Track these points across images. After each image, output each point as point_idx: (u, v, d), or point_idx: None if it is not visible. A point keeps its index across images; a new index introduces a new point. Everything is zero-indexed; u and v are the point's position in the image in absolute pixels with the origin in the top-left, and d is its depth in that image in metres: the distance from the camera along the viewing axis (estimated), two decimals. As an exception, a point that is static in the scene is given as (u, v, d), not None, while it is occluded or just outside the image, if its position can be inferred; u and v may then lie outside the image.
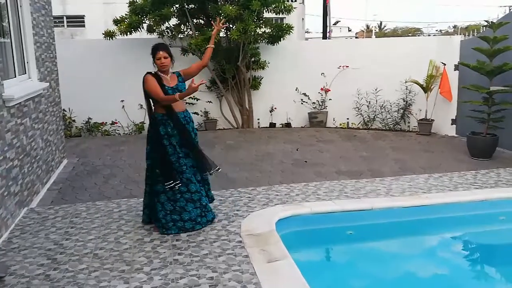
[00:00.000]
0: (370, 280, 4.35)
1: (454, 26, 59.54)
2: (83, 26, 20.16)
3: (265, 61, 10.91)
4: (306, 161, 6.67)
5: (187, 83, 4.70)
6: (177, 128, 4.73)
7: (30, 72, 6.22)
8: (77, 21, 20.80)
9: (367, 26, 71.02)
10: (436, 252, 5.02)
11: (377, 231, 5.28)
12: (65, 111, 10.18)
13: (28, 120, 5.71)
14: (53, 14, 7.70)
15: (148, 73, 4.72)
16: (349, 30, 70.96)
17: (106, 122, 10.62)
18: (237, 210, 5.30)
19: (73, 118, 10.46)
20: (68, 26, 20.21)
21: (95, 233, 4.74)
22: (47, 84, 6.62)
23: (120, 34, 10.03)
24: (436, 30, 65.64)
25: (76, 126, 10.53)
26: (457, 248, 5.26)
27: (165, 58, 4.67)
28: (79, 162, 7.93)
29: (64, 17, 20.76)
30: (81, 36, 19.33)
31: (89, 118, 10.49)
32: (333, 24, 57.93)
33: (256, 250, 4.23)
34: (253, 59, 10.77)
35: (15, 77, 5.69)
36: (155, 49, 4.70)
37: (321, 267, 4.69)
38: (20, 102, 5.38)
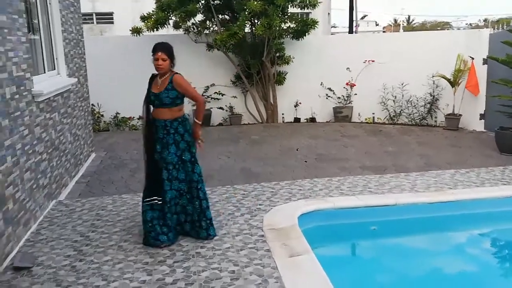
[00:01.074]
0: (392, 276, 4.32)
1: (485, 20, 58.04)
2: (112, 23, 20.49)
3: (289, 56, 10.88)
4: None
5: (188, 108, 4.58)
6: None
7: (59, 68, 6.37)
8: (106, 18, 21.14)
9: (395, 20, 69.96)
10: (460, 249, 4.95)
11: (401, 227, 5.24)
12: (94, 106, 10.38)
13: (57, 114, 5.86)
14: (82, 11, 7.87)
15: (152, 74, 4.46)
16: (377, 25, 70.00)
17: (133, 117, 10.77)
18: (260, 205, 5.32)
19: (101, 113, 10.65)
20: (97, 23, 20.58)
21: (120, 226, 4.84)
22: (76, 79, 6.78)
23: (147, 30, 10.16)
24: (466, 24, 64.21)
25: (104, 121, 10.73)
26: (483, 245, 5.17)
27: (163, 60, 4.26)
28: (107, 156, 8.08)
29: (94, 14, 21.13)
30: (110, 33, 19.65)
31: (117, 113, 10.67)
32: (360, 19, 57.29)
33: (278, 244, 4.25)
34: (277, 54, 10.76)
35: (45, 73, 5.83)
36: (154, 49, 4.30)
37: (343, 262, 4.68)
38: (49, 97, 5.52)
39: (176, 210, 4.45)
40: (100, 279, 3.75)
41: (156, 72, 4.38)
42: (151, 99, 4.36)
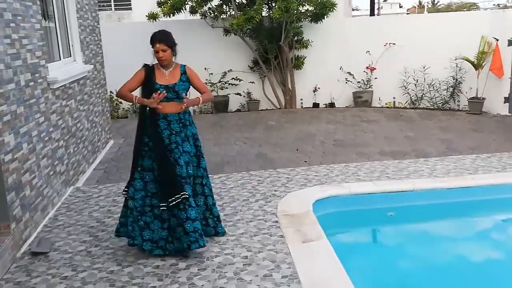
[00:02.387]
0: (408, 263, 4.26)
1: (513, 0, 56.35)
2: (130, 9, 20.48)
3: (308, 40, 10.73)
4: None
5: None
6: (152, 139, 3.96)
7: (75, 55, 6.40)
8: (124, 4, 21.17)
9: (420, 2, 68.49)
10: (479, 235, 4.85)
11: (418, 213, 5.14)
12: (112, 93, 10.43)
13: (73, 102, 5.90)
14: (99, -2, 7.88)
15: (144, 65, 4.09)
16: (400, 7, 68.62)
17: (151, 104, 10.80)
18: (275, 191, 5.29)
19: (120, 100, 10.71)
20: (115, 9, 20.60)
21: (135, 212, 4.86)
22: (92, 66, 6.81)
23: (163, 16, 10.12)
24: (494, 5, 62.40)
25: (123, 108, 10.79)
26: (502, 232, 5.04)
27: (163, 51, 3.93)
28: (125, 142, 8.13)
29: (112, 1, 21.18)
30: (128, 19, 19.69)
31: (135, 100, 10.71)
32: (383, 1, 56.26)
33: (292, 230, 4.22)
34: (296, 38, 10.63)
35: (60, 60, 5.87)
36: (152, 40, 3.96)
37: (357, 248, 4.63)
38: (65, 84, 5.56)
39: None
40: (114, 264, 3.79)
41: (152, 63, 4.07)
42: (159, 91, 3.91)
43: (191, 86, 4.14)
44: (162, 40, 3.94)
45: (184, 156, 4.00)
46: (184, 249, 3.83)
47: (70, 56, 6.31)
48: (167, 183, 3.88)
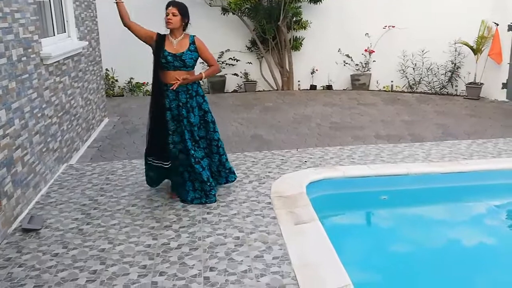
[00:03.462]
0: (399, 246, 4.27)
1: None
2: (128, -15, 20.29)
3: (307, 21, 10.60)
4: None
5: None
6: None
7: (70, 30, 6.31)
8: (122, -19, 20.93)
9: (421, -15, 67.66)
10: (472, 220, 4.86)
11: (412, 197, 5.15)
12: (108, 70, 10.35)
13: (67, 78, 5.83)
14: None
15: (157, 33, 4.37)
16: (401, -11, 67.82)
17: (147, 82, 10.70)
18: (269, 172, 5.27)
19: (115, 78, 10.62)
20: (113, -14, 20.40)
21: (129, 190, 4.86)
22: (87, 43, 6.71)
23: (160, -7, 9.97)
24: (495, -11, 61.70)
25: (118, 86, 10.70)
26: (494, 217, 5.04)
27: (173, 14, 4.22)
28: (120, 121, 8.09)
29: (110, -23, 20.93)
30: (126, -4, 19.47)
31: (131, 78, 10.61)
32: (384, -17, 55.49)
33: (284, 212, 4.22)
34: (294, 19, 10.50)
35: (54, 35, 5.78)
36: (167, 5, 4.29)
37: (349, 231, 4.63)
38: (59, 60, 5.48)
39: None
40: (106, 242, 3.78)
41: (164, 33, 4.34)
42: (167, 59, 4.25)
43: (199, 58, 4.41)
44: (176, 5, 4.26)
45: (188, 127, 4.36)
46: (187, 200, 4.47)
47: (65, 31, 6.21)
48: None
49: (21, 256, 3.57)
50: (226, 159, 4.69)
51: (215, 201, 4.46)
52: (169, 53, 4.24)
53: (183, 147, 4.40)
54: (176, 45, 4.28)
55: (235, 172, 4.85)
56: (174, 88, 4.28)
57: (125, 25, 4.36)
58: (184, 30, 4.38)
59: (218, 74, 10.64)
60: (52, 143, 5.16)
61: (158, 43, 4.29)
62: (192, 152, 4.40)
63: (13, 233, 3.93)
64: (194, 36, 4.39)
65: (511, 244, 4.49)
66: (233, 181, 4.79)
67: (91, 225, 4.09)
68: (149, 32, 4.34)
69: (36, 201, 4.58)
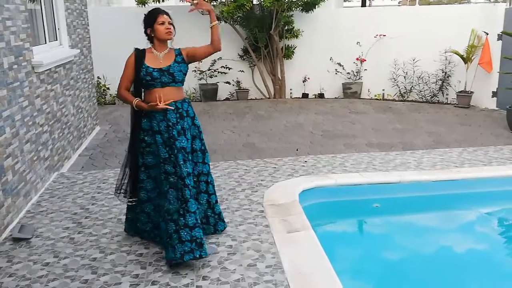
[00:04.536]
0: (392, 254, 4.27)
1: (504, -6, 56.50)
2: (120, -7, 20.22)
3: (299, 29, 10.66)
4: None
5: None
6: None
7: (61, 38, 6.29)
8: (114, -11, 20.90)
9: (411, -6, 68.43)
10: (463, 228, 4.88)
11: (404, 205, 5.16)
12: (100, 78, 10.32)
13: (58, 86, 5.80)
14: (88, -19, 7.74)
15: (135, 49, 3.71)
16: (392, -1, 68.55)
17: (139, 90, 10.69)
18: (262, 180, 5.27)
19: (107, 86, 10.58)
20: (105, -6, 20.34)
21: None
22: (78, 50, 6.69)
23: (152, 1, 9.99)
24: (485, -1, 62.59)
25: (110, 94, 10.66)
26: (485, 225, 5.07)
27: (169, 23, 3.60)
28: (111, 129, 8.05)
29: (102, -15, 20.89)
30: (117, 4, 19.45)
31: (123, 86, 10.57)
32: (375, -8, 55.94)
33: (277, 220, 4.20)
34: (286, 28, 10.55)
35: (46, 43, 5.76)
36: (155, 13, 3.61)
37: (342, 239, 4.63)
38: (50, 68, 5.46)
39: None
40: (97, 252, 3.74)
41: (141, 47, 3.70)
42: (152, 76, 3.56)
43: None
44: (166, 13, 3.64)
45: (181, 152, 3.56)
46: (176, 258, 3.43)
47: (56, 39, 6.19)
48: None
49: (11, 266, 3.52)
50: (216, 201, 3.94)
51: (207, 254, 3.52)
52: (154, 68, 3.57)
53: (177, 177, 3.53)
54: (162, 59, 3.64)
55: (225, 220, 4.05)
56: (167, 103, 3.52)
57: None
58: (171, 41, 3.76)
59: (210, 82, 10.69)
60: (43, 151, 5.13)
61: (136, 61, 3.62)
62: (188, 182, 3.52)
63: (3, 243, 3.89)
64: (179, 48, 3.74)
65: (502, 251, 4.52)
66: (222, 230, 3.98)
67: (82, 234, 4.06)
68: (129, 69, 3.66)
69: (26, 210, 4.54)
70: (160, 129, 3.59)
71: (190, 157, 3.66)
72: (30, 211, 4.52)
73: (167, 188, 3.54)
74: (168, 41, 3.70)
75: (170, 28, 3.61)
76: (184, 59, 3.70)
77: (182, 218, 3.48)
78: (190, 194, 3.51)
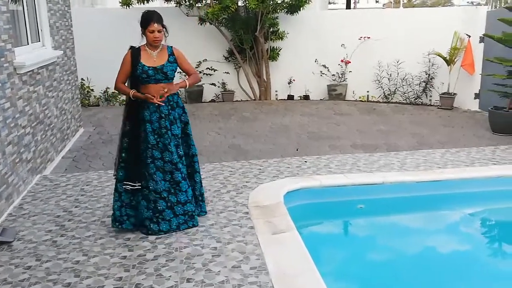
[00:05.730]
0: (376, 255, 4.30)
1: (487, -2, 57.32)
2: (104, -5, 20.06)
3: (284, 31, 10.68)
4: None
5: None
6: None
7: (44, 39, 6.23)
8: (98, -11, 20.73)
9: (395, -3, 69.08)
10: (446, 228, 4.93)
11: (388, 206, 5.20)
12: (84, 80, 10.23)
13: (41, 88, 5.74)
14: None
15: (130, 47, 4.11)
16: (377, 1, 68.99)
17: (124, 92, 10.62)
18: (247, 182, 5.27)
19: (91, 88, 10.49)
20: (89, -6, 20.15)
21: (104, 201, 4.78)
22: (61, 52, 6.63)
23: (137, 2, 9.94)
24: (468, 2, 63.40)
25: (94, 96, 10.57)
26: (468, 225, 5.14)
27: (159, 32, 3.98)
28: (95, 131, 7.99)
29: (86, -14, 20.71)
30: (102, 5, 19.29)
31: (107, 88, 10.51)
32: (360, -5, 56.37)
33: (262, 221, 4.21)
34: (271, 29, 10.56)
35: (28, 44, 5.69)
36: (149, 19, 3.97)
37: (326, 240, 4.65)
38: (33, 70, 5.40)
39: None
40: (80, 254, 3.71)
41: (138, 45, 4.09)
42: (148, 74, 3.98)
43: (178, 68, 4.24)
44: (160, 20, 4.01)
45: (173, 140, 4.09)
46: (173, 229, 4.06)
47: (39, 41, 6.13)
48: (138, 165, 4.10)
49: (-8, 270, 3.47)
50: (201, 181, 4.43)
51: (198, 224, 4.15)
52: (149, 67, 3.99)
53: (168, 161, 4.03)
54: (156, 58, 4.05)
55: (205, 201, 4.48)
56: (164, 100, 4.01)
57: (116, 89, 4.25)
58: (165, 39, 4.19)
59: (195, 84, 10.64)
60: (26, 153, 5.07)
61: (133, 59, 4.01)
62: (180, 166, 4.07)
63: (-16, 246, 3.83)
64: (171, 47, 4.18)
65: (485, 251, 4.57)
66: (205, 214, 4.39)
67: (65, 237, 4.01)
68: (126, 65, 4.06)
69: (8, 212, 4.48)
70: (152, 119, 4.05)
71: (183, 141, 4.24)
72: (12, 214, 4.46)
73: (154, 171, 4.04)
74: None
75: (158, 37, 4.01)
76: (176, 59, 4.16)
77: (174, 196, 4.08)
78: (181, 176, 4.08)
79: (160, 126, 4.04)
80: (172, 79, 4.16)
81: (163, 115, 4.05)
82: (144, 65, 3.99)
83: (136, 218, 4.12)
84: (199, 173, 4.40)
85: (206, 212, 4.41)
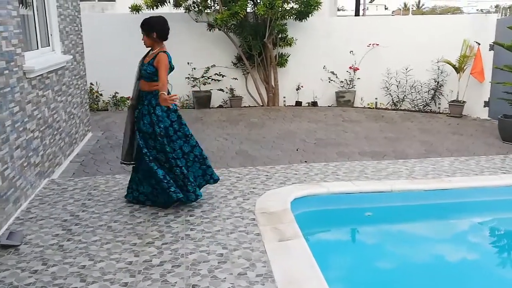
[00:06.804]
0: (384, 263, 4.25)
1: (496, 6, 57.12)
2: (114, 0, 20.24)
3: (292, 38, 10.70)
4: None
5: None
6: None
7: (54, 44, 6.26)
8: (108, -5, 20.91)
9: (405, 4, 69.07)
10: (454, 237, 4.87)
11: (396, 214, 5.16)
12: (93, 85, 10.29)
13: (50, 92, 5.77)
14: (81, -12, 7.72)
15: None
16: (386, 8, 69.10)
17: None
18: (254, 188, 5.25)
19: (100, 92, 10.55)
20: (99, 0, 20.34)
21: (111, 206, 4.79)
22: (71, 56, 6.66)
23: (146, 8, 10.00)
24: (477, 10, 63.20)
25: (103, 100, 10.62)
26: (476, 234, 5.08)
27: (143, 40, 4.64)
28: (103, 135, 8.01)
29: (96, -8, 20.90)
30: (112, 10, 19.47)
31: (116, 93, 10.56)
32: (369, 2, 56.56)
33: (269, 228, 4.18)
34: (280, 36, 10.58)
35: (38, 49, 5.73)
36: None
37: (333, 248, 4.61)
38: (42, 74, 5.43)
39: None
40: (87, 259, 3.70)
41: (135, 54, 4.95)
42: (139, 68, 4.64)
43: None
44: (141, 27, 4.63)
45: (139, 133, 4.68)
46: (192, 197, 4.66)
47: (49, 45, 6.16)
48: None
49: (-2, 273, 3.48)
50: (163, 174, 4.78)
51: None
52: (142, 62, 4.61)
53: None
54: (147, 57, 4.62)
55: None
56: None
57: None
58: (157, 41, 4.59)
59: (203, 89, 10.68)
60: (34, 157, 5.08)
61: (144, 55, 4.72)
62: (179, 163, 4.61)
63: (-9, 250, 3.84)
64: (162, 51, 4.53)
65: (494, 260, 4.52)
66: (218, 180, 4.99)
67: (72, 241, 4.02)
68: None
69: (16, 216, 4.49)
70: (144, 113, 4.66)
71: (153, 137, 4.61)
72: (19, 218, 4.47)
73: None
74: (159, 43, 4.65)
75: (144, 43, 4.65)
76: (153, 63, 4.50)
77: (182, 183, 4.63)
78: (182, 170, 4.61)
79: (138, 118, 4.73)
80: (147, 78, 4.53)
81: (139, 106, 4.68)
82: (142, 61, 4.64)
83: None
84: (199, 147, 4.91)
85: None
